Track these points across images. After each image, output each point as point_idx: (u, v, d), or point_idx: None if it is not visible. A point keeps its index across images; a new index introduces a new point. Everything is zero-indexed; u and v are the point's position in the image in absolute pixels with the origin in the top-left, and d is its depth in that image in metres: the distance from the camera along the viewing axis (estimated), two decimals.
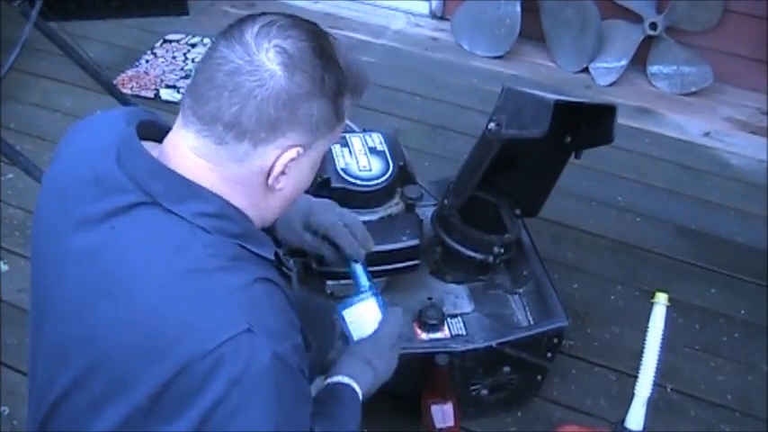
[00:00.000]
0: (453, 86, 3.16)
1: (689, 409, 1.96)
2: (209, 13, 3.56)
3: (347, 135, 1.83)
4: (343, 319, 1.33)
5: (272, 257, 1.04)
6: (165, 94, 2.99)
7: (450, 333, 1.73)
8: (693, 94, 3.20)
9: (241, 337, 0.92)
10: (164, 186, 0.98)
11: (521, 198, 1.93)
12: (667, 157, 2.85)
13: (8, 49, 2.09)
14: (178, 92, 2.99)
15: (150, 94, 2.98)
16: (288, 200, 1.08)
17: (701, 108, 3.15)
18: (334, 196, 1.69)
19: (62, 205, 1.06)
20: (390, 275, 1.76)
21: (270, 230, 1.16)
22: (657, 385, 1.37)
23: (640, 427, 1.37)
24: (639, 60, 3.24)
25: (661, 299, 1.37)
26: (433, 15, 3.64)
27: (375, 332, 1.32)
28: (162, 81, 3.07)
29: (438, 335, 1.72)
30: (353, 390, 1.23)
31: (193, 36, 3.37)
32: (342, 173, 1.70)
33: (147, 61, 3.20)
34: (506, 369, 1.74)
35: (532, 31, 3.33)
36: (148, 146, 1.03)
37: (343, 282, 1.69)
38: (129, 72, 3.12)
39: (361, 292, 1.35)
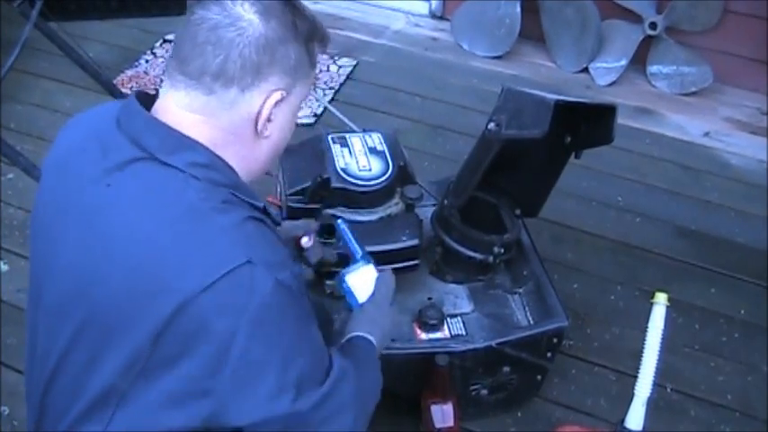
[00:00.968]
0: (453, 86, 3.16)
1: (689, 409, 1.96)
2: None
3: (347, 135, 1.83)
4: (347, 285, 1.39)
5: (261, 204, 1.08)
6: None
7: (450, 333, 1.73)
8: (693, 94, 3.20)
9: (241, 268, 0.95)
10: (158, 140, 1.03)
11: (521, 198, 1.93)
12: (667, 158, 2.85)
13: (8, 50, 2.09)
14: None
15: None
16: (274, 149, 1.13)
17: (701, 108, 3.15)
18: (333, 196, 1.70)
19: (63, 176, 1.10)
20: None
21: None
22: (657, 385, 1.38)
23: (640, 427, 1.37)
24: (639, 60, 3.24)
25: (661, 299, 1.37)
26: (432, 15, 3.64)
27: (373, 294, 1.37)
28: (162, 81, 3.06)
29: (438, 335, 1.72)
30: (369, 340, 1.26)
31: None
32: (342, 173, 1.70)
33: (147, 61, 3.20)
34: (506, 369, 1.74)
35: (532, 32, 3.33)
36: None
37: None
38: (129, 72, 3.12)
39: (357, 261, 1.42)
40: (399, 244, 1.69)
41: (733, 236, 2.51)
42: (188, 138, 1.03)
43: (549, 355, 1.77)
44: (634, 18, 3.21)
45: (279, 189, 1.81)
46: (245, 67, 1.01)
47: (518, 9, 3.25)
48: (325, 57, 3.28)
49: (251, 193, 1.08)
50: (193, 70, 1.02)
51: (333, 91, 3.07)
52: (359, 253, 1.44)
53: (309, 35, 1.07)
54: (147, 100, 1.10)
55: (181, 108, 1.04)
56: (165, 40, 3.34)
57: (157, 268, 0.96)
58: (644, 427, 1.37)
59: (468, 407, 1.78)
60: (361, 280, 1.39)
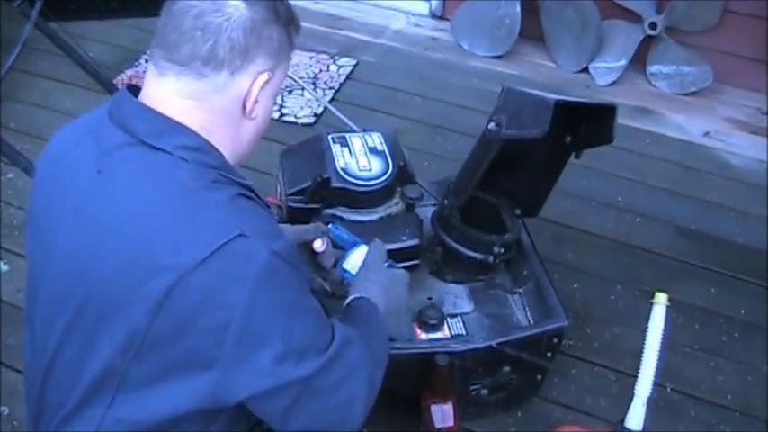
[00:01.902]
0: (453, 86, 3.16)
1: (689, 409, 1.96)
2: None
3: (347, 135, 1.83)
4: (345, 270, 1.45)
5: (250, 183, 1.10)
6: None
7: (450, 333, 1.73)
8: (693, 94, 3.20)
9: (235, 241, 0.96)
10: (147, 125, 1.04)
11: (521, 198, 1.93)
12: (667, 157, 2.85)
13: (8, 49, 2.09)
14: None
15: None
16: (258, 129, 1.15)
17: (701, 108, 3.15)
18: (334, 196, 1.70)
19: (58, 171, 1.11)
20: None
21: None
22: (657, 385, 1.37)
23: (640, 427, 1.37)
24: (639, 60, 3.24)
25: (661, 299, 1.37)
26: (432, 15, 3.64)
27: (363, 263, 1.42)
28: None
29: (438, 335, 1.72)
30: (367, 299, 1.29)
31: None
32: (342, 173, 1.70)
33: (147, 61, 3.18)
34: (506, 369, 1.74)
35: (532, 31, 3.33)
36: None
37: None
38: (129, 72, 3.12)
39: (351, 246, 1.48)
40: (399, 244, 1.69)
41: (733, 236, 2.51)
42: (176, 122, 1.05)
43: (549, 354, 1.77)
44: (634, 18, 3.21)
45: (279, 189, 1.81)
46: (234, 50, 1.03)
47: (518, 9, 3.25)
48: (325, 56, 3.28)
49: (239, 174, 1.10)
50: (182, 57, 1.03)
51: (333, 91, 3.07)
52: (350, 242, 1.49)
53: (288, 19, 1.11)
54: (138, 92, 1.11)
55: (171, 94, 1.05)
56: None
57: (151, 246, 0.97)
58: (644, 427, 1.37)
59: (469, 407, 1.78)
60: (355, 259, 1.44)
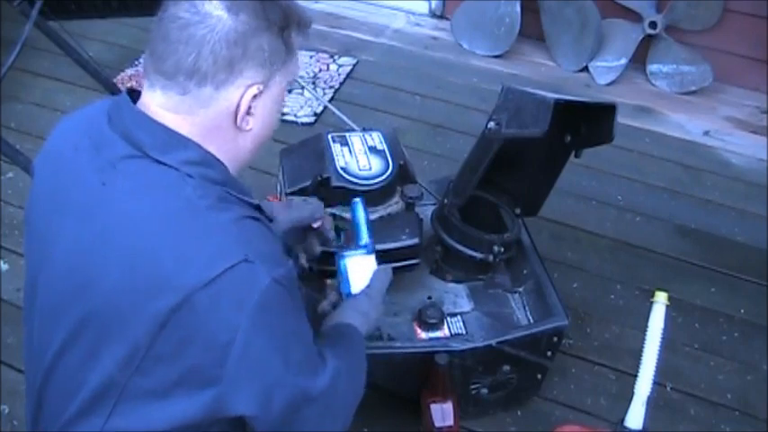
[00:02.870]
0: (453, 86, 3.16)
1: (689, 409, 1.96)
2: None
3: (347, 134, 1.83)
4: (345, 268, 1.40)
5: (256, 202, 1.10)
6: None
7: (450, 332, 1.73)
8: (693, 93, 3.20)
9: (240, 266, 0.96)
10: (151, 138, 1.03)
11: (521, 197, 1.93)
12: (667, 157, 2.85)
13: (8, 49, 2.09)
14: None
15: None
16: (259, 139, 1.12)
17: (701, 107, 3.15)
18: (333, 195, 1.70)
19: (57, 176, 1.10)
20: None
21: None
22: (657, 384, 1.37)
23: (640, 427, 1.37)
24: (639, 59, 3.24)
25: (661, 298, 1.37)
26: (432, 15, 3.65)
27: (368, 287, 1.39)
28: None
29: (438, 334, 1.72)
30: (360, 334, 1.29)
31: None
32: (342, 172, 1.70)
33: None
34: (506, 368, 1.74)
35: (532, 31, 3.33)
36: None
37: None
38: (129, 71, 3.12)
39: (362, 247, 1.42)
40: (399, 243, 1.69)
41: (733, 235, 2.51)
42: (179, 134, 1.04)
43: (548, 354, 1.77)
44: (634, 17, 3.21)
45: (279, 188, 1.81)
46: (218, 63, 1.01)
47: (518, 8, 3.25)
48: (325, 56, 3.28)
49: (244, 189, 1.09)
50: (168, 69, 1.02)
51: (333, 90, 3.07)
52: (364, 239, 1.43)
53: (284, 23, 1.06)
54: (138, 97, 1.10)
55: (159, 107, 1.04)
56: None
57: (157, 263, 0.97)
58: (644, 427, 1.37)
59: (468, 406, 1.78)
60: (360, 268, 1.40)
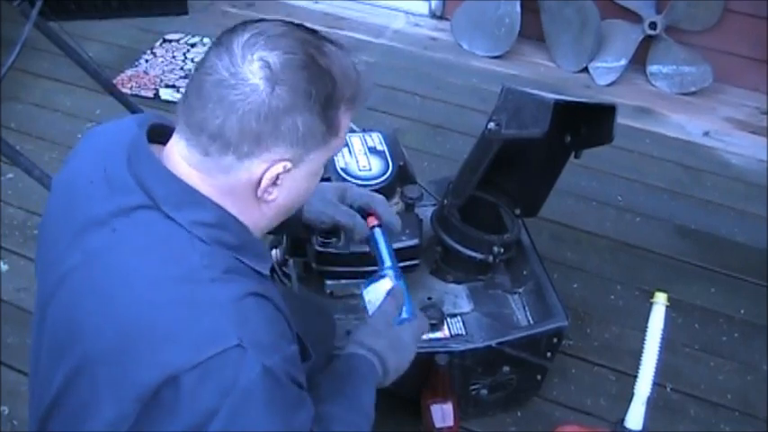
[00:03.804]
0: (453, 86, 3.16)
1: (689, 409, 1.96)
2: (208, 12, 3.56)
3: (347, 135, 1.82)
4: (364, 299, 1.36)
5: (267, 272, 1.04)
6: (165, 93, 2.99)
7: (450, 333, 1.73)
8: (693, 93, 3.20)
9: (230, 351, 0.92)
10: (165, 191, 0.99)
11: (521, 198, 1.93)
12: (667, 157, 2.85)
13: (8, 49, 2.09)
14: (177, 91, 2.99)
15: (150, 94, 2.98)
16: (283, 209, 1.07)
17: (701, 108, 3.15)
18: None
19: (70, 206, 1.07)
20: None
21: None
22: (657, 385, 1.37)
23: (640, 427, 1.37)
24: (639, 60, 3.24)
25: (660, 299, 1.37)
26: (432, 15, 3.64)
27: (379, 306, 1.32)
28: (161, 81, 3.07)
29: (438, 334, 1.72)
30: (366, 362, 1.24)
31: (193, 36, 3.37)
32: (341, 172, 1.70)
33: (147, 61, 3.20)
34: (506, 369, 1.74)
35: (532, 31, 3.33)
36: (158, 150, 1.04)
37: (343, 281, 1.69)
38: (129, 72, 3.12)
39: (380, 274, 1.37)
40: (399, 243, 1.68)
41: (733, 236, 2.51)
42: (196, 192, 0.99)
43: (548, 354, 1.78)
44: (634, 18, 3.21)
45: None
46: (244, 134, 0.94)
47: (518, 9, 3.25)
48: None
49: (260, 252, 1.04)
50: (194, 123, 0.96)
51: None
52: (385, 264, 1.39)
53: (328, 101, 0.98)
54: (162, 132, 1.06)
55: (182, 158, 1.00)
56: (165, 40, 3.34)
57: (149, 334, 0.94)
58: (644, 427, 1.37)
59: (468, 406, 1.78)
60: (376, 293, 1.35)
